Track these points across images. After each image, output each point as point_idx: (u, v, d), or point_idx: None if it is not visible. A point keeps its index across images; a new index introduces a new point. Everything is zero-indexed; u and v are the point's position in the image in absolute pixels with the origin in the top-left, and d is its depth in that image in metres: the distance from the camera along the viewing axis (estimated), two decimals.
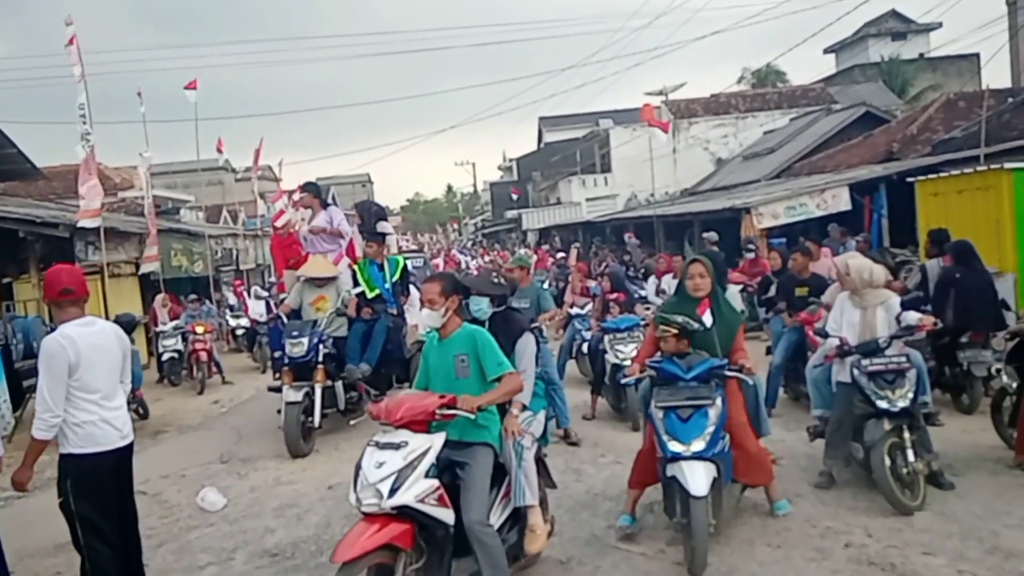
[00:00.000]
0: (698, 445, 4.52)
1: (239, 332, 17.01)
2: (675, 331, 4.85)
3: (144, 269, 15.18)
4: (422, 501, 3.73)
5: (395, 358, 9.08)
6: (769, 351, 8.61)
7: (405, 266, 9.77)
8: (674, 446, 4.54)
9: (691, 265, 5.26)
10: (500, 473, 4.29)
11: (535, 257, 22.46)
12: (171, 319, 14.01)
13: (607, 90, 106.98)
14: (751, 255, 13.44)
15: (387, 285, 9.27)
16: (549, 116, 46.72)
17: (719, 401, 4.65)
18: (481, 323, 4.85)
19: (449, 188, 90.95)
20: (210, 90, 18.26)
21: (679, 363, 4.81)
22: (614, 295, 9.41)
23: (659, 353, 5.02)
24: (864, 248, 11.31)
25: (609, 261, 18.69)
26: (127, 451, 4.36)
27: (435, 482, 3.82)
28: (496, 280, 5.10)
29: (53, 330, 4.40)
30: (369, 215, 9.74)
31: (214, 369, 13.42)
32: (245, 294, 18.14)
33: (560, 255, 18.85)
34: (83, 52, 12.03)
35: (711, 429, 4.56)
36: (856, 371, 5.51)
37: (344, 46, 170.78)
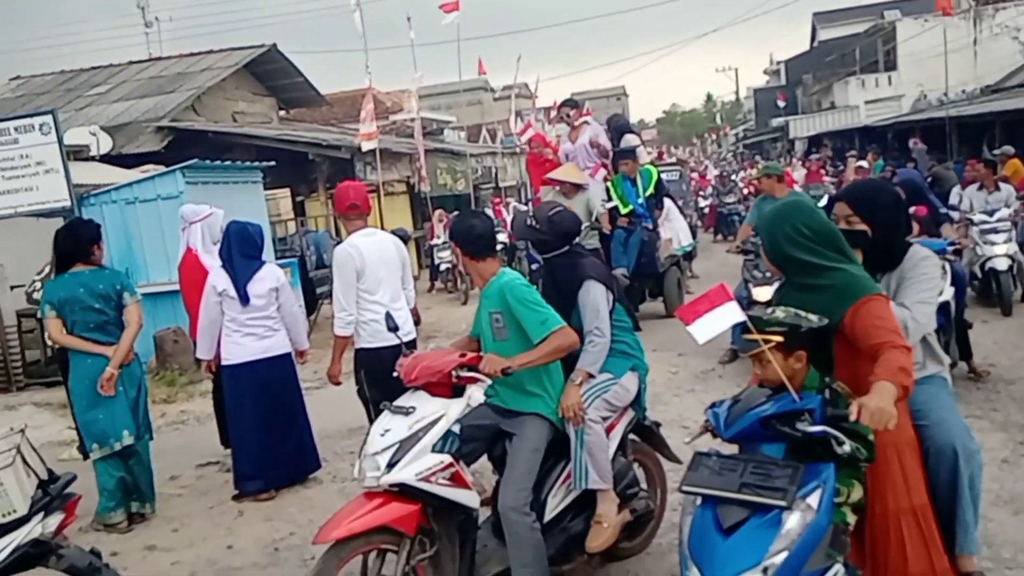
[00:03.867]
0: None
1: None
2: (777, 339, 2.54)
3: (420, 187, 16.47)
4: (427, 480, 3.16)
5: (648, 272, 9.17)
6: None
7: (659, 179, 9.56)
8: None
9: (835, 204, 3.10)
10: (566, 448, 3.54)
11: (802, 170, 20.90)
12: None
13: None
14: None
15: (640, 200, 9.16)
16: (824, 11, 42.66)
17: (814, 500, 2.36)
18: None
19: (708, 97, 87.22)
20: (470, 10, 18.91)
21: (731, 408, 2.63)
22: (911, 209, 8.17)
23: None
24: None
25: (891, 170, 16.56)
26: (411, 346, 4.74)
27: (445, 458, 3.22)
28: (530, 223, 3.92)
29: (340, 242, 4.88)
30: (618, 131, 9.67)
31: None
32: (503, 211, 18.92)
33: (860, 164, 15.88)
34: None
35: (777, 558, 2.30)
36: None
37: None
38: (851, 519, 2.53)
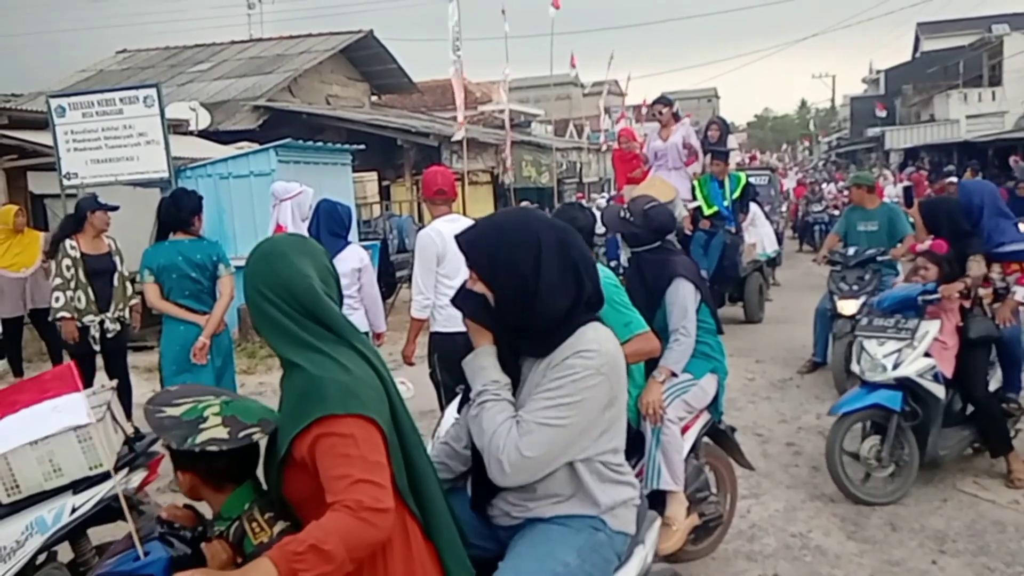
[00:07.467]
0: None
1: None
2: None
3: (504, 179, 16.55)
4: None
5: (729, 276, 9.03)
6: None
7: (747, 183, 9.39)
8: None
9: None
10: (641, 445, 3.44)
11: (905, 183, 19.87)
12: None
13: None
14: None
15: (726, 203, 8.99)
16: (930, 21, 41.04)
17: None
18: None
19: (803, 103, 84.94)
20: (563, 4, 18.76)
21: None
22: (927, 242, 7.60)
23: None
24: None
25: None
26: None
27: None
28: (624, 215, 3.79)
29: (423, 228, 4.93)
30: (726, 131, 9.56)
31: None
32: None
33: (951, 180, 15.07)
34: None
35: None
36: None
37: None
38: None
